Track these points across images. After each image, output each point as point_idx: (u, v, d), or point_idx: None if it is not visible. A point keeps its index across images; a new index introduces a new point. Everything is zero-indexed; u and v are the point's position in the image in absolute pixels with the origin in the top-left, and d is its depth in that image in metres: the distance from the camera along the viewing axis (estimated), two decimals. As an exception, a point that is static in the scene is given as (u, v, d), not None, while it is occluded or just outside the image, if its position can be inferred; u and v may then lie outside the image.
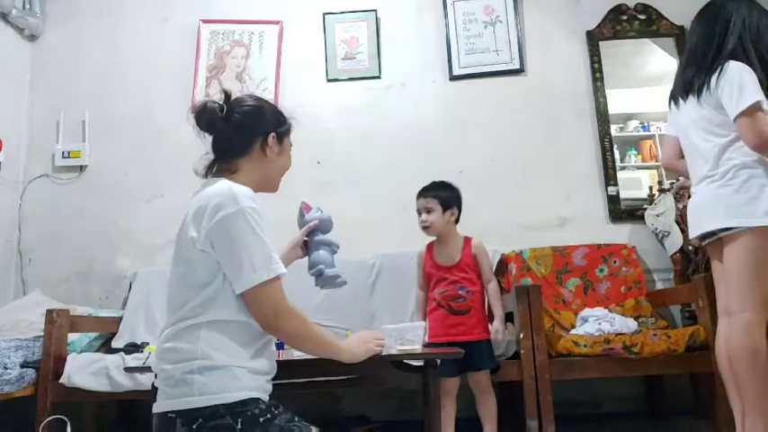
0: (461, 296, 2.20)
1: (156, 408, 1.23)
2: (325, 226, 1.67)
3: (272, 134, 1.42)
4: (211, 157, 1.41)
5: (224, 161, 1.40)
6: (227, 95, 1.43)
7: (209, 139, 1.41)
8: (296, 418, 1.25)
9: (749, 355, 1.84)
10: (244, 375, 1.21)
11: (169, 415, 1.19)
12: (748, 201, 1.86)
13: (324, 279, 1.60)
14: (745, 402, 1.84)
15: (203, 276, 1.24)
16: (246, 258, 1.22)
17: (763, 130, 1.83)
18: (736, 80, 1.89)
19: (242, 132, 1.39)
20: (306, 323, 1.31)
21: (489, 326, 2.26)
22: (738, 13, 2.01)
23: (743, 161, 1.89)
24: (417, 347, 1.64)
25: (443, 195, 2.27)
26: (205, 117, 1.39)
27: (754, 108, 1.84)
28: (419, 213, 2.29)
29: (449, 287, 2.22)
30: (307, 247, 1.69)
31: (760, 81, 1.90)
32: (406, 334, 1.65)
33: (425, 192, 2.30)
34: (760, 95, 1.87)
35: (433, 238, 2.35)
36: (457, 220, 2.31)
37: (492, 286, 2.30)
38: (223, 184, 1.29)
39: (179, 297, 1.27)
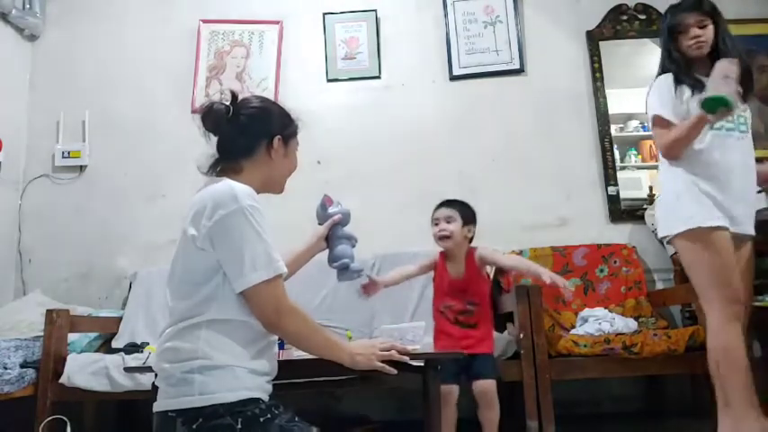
0: (468, 310, 2.16)
1: (157, 407, 1.23)
2: (345, 219, 1.70)
3: (278, 137, 1.41)
4: (216, 155, 1.40)
5: (228, 161, 1.39)
6: (234, 96, 1.42)
7: (214, 139, 1.40)
8: (296, 418, 1.25)
9: (724, 355, 1.91)
10: (244, 375, 1.21)
11: (169, 414, 1.20)
12: (674, 209, 2.04)
13: (349, 273, 1.62)
14: (728, 399, 1.92)
15: (202, 274, 1.24)
16: (247, 257, 1.21)
17: (661, 142, 2.07)
18: (649, 95, 2.11)
19: (247, 134, 1.39)
20: (308, 322, 1.31)
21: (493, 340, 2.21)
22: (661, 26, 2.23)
23: (673, 171, 2.06)
24: (417, 347, 1.63)
25: (465, 211, 2.22)
26: (211, 118, 1.38)
27: (655, 122, 2.07)
28: (436, 223, 2.20)
29: (456, 301, 2.16)
30: (328, 240, 1.70)
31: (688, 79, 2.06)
32: (406, 334, 1.65)
33: (448, 203, 2.24)
34: (659, 109, 2.05)
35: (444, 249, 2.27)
36: (470, 242, 2.24)
37: (513, 261, 2.27)
38: (224, 184, 1.28)
39: (179, 296, 1.27)
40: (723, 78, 1.87)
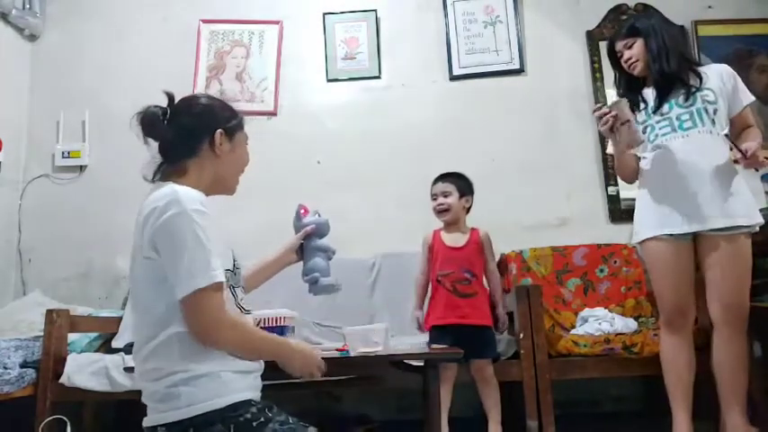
0: (467, 279, 2.21)
1: (146, 422, 1.21)
2: (321, 230, 1.63)
3: (220, 131, 1.35)
4: (159, 161, 1.35)
5: (171, 164, 1.34)
6: (171, 98, 1.37)
7: (155, 144, 1.36)
8: (290, 420, 1.21)
9: (662, 363, 2.10)
10: (230, 378, 1.18)
11: (159, 429, 1.17)
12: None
13: (318, 287, 1.57)
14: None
15: (157, 285, 1.19)
16: (186, 263, 1.15)
17: None
18: None
19: (186, 134, 1.33)
20: (247, 335, 1.24)
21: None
22: None
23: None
24: (380, 349, 1.61)
25: (461, 183, 2.36)
26: (147, 122, 1.33)
27: None
28: (435, 198, 2.34)
29: (454, 269, 2.22)
30: (302, 251, 1.65)
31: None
32: (372, 336, 1.60)
33: (443, 177, 2.38)
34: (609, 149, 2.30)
35: (441, 227, 2.38)
36: (468, 211, 2.38)
37: (495, 275, 2.37)
38: (168, 188, 1.24)
39: (142, 311, 1.23)
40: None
